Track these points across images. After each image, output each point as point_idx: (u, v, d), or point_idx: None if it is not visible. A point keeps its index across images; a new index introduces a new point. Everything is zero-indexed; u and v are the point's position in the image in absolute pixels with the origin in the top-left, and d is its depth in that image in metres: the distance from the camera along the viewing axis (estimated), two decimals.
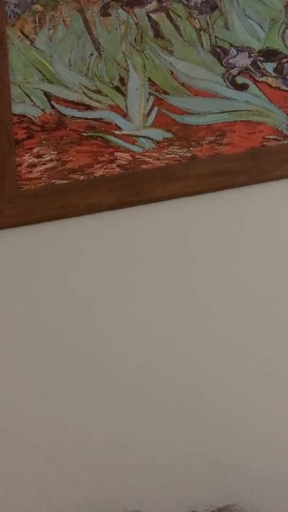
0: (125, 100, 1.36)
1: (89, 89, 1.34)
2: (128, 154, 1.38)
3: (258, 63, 1.41)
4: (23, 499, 1.50)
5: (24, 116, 1.31)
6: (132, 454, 1.53)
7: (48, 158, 1.34)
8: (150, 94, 1.37)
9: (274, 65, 1.42)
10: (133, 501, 1.53)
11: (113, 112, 1.36)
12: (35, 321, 1.41)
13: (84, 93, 1.33)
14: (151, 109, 1.37)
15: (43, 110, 1.32)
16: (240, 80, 1.41)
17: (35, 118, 1.32)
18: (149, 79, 1.36)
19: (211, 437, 1.57)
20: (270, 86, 1.43)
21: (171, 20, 1.36)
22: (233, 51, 1.40)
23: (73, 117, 1.34)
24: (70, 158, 1.35)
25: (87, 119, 1.34)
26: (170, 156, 1.40)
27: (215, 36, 1.38)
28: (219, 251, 1.48)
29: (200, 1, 1.36)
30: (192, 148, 1.41)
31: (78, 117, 1.34)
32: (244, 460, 1.59)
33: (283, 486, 1.62)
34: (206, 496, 1.53)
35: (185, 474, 1.57)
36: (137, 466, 1.54)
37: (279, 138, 1.45)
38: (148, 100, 1.37)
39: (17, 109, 1.30)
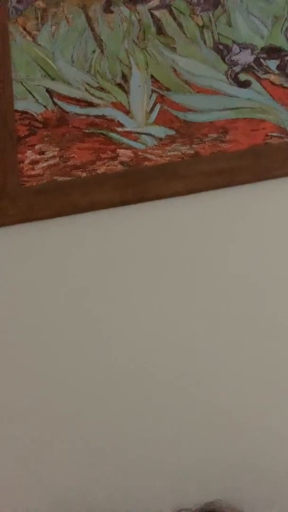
0: (127, 97, 1.36)
1: (91, 86, 1.33)
2: (130, 151, 1.38)
3: (261, 60, 1.41)
4: (22, 498, 1.50)
5: (26, 112, 1.31)
6: (122, 451, 1.53)
7: (50, 155, 1.34)
8: (152, 91, 1.37)
9: (277, 62, 1.42)
10: (122, 500, 1.54)
11: (116, 109, 1.35)
12: (37, 318, 1.41)
13: (86, 90, 1.33)
14: (153, 106, 1.37)
15: (45, 106, 1.31)
16: (243, 77, 1.41)
17: (37, 114, 1.31)
18: (152, 76, 1.36)
19: (201, 435, 1.57)
20: (273, 83, 1.43)
21: (174, 17, 1.35)
22: (236, 48, 1.39)
23: (75, 114, 1.33)
24: (72, 155, 1.34)
25: (89, 116, 1.34)
26: (173, 153, 1.40)
27: (218, 33, 1.38)
28: (221, 248, 1.48)
29: None
30: (195, 146, 1.41)
31: (81, 114, 1.34)
32: (233, 456, 1.60)
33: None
34: (195, 493, 1.53)
35: (174, 471, 1.57)
36: (127, 463, 1.54)
37: (282, 135, 1.45)
38: (150, 97, 1.37)
39: (19, 105, 1.30)
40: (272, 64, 1.42)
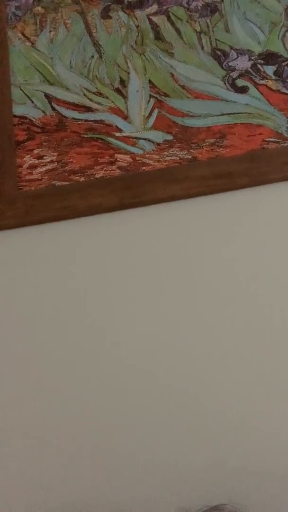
0: (125, 102, 1.36)
1: (89, 91, 1.34)
2: (128, 156, 1.38)
3: (258, 66, 1.42)
4: (23, 500, 1.50)
5: (24, 117, 1.31)
6: (125, 454, 1.54)
7: (48, 160, 1.34)
8: (150, 96, 1.37)
9: (274, 68, 1.43)
10: (125, 503, 1.54)
11: (114, 114, 1.36)
12: (35, 321, 1.41)
13: (84, 95, 1.34)
14: (151, 111, 1.38)
15: (43, 111, 1.32)
16: (240, 82, 1.41)
17: (35, 119, 1.32)
18: (150, 81, 1.37)
19: (205, 438, 1.58)
20: (270, 89, 1.43)
21: (172, 23, 1.36)
22: (233, 54, 1.40)
23: (73, 118, 1.34)
24: (70, 160, 1.35)
25: (87, 120, 1.35)
26: (171, 158, 1.41)
27: (216, 39, 1.38)
28: (219, 253, 1.49)
29: (200, 4, 1.37)
30: (192, 150, 1.41)
31: (79, 119, 1.34)
32: (236, 460, 1.60)
33: (274, 484, 1.62)
34: (198, 496, 1.53)
35: (178, 475, 1.57)
36: (130, 466, 1.54)
37: (279, 140, 1.46)
38: (148, 102, 1.37)
39: (17, 110, 1.30)
40: (270, 69, 1.42)
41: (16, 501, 1.49)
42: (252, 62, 1.41)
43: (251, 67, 1.41)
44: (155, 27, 1.35)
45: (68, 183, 1.36)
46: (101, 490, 1.53)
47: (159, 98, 1.38)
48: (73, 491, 1.52)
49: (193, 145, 1.41)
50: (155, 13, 1.35)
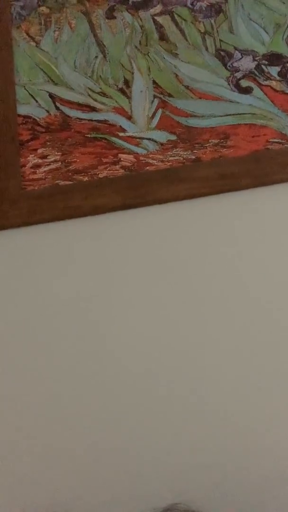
0: (129, 102, 1.36)
1: (93, 91, 1.34)
2: (132, 156, 1.38)
3: (263, 66, 1.42)
4: (20, 499, 1.50)
5: (29, 117, 1.31)
6: (121, 455, 1.54)
7: (52, 159, 1.34)
8: (154, 96, 1.37)
9: (278, 69, 1.43)
10: (122, 502, 1.54)
11: (118, 114, 1.36)
12: (37, 322, 1.41)
13: (89, 95, 1.34)
14: (155, 112, 1.38)
15: (47, 111, 1.32)
16: (244, 83, 1.42)
17: (39, 119, 1.32)
18: (154, 82, 1.37)
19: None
20: (274, 89, 1.44)
21: (176, 24, 1.36)
22: (237, 55, 1.40)
23: (77, 118, 1.34)
24: (74, 159, 1.35)
25: (91, 120, 1.35)
26: (174, 158, 1.41)
27: (220, 40, 1.39)
28: (222, 253, 1.49)
29: (205, 5, 1.37)
30: (196, 151, 1.42)
31: (83, 119, 1.34)
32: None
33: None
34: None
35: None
36: (126, 466, 1.54)
37: (283, 141, 1.46)
38: (152, 102, 1.38)
39: (22, 110, 1.31)
40: (274, 70, 1.43)
41: (15, 500, 1.50)
42: (256, 63, 1.41)
43: (255, 68, 1.42)
44: (159, 28, 1.35)
45: (72, 182, 1.36)
46: (96, 489, 1.54)
47: (163, 99, 1.38)
48: (64, 490, 1.52)
49: (196, 145, 1.41)
50: (159, 14, 1.35)
